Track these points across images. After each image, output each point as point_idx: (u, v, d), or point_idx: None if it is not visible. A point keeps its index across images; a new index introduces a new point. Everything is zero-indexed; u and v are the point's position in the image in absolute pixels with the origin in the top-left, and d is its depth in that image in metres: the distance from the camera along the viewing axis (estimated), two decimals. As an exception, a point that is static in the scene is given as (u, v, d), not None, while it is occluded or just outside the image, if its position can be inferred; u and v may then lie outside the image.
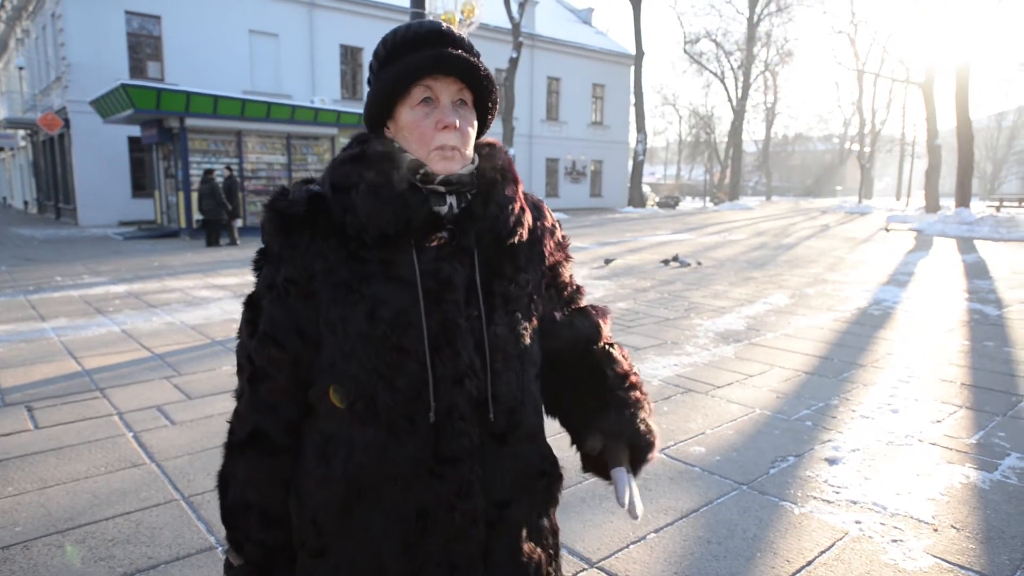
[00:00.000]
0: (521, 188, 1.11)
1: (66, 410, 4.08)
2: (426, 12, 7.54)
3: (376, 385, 0.97)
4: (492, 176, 1.07)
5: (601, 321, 1.21)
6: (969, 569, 2.47)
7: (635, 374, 1.19)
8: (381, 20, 25.51)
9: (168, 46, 21.27)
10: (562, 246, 1.20)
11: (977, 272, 11.02)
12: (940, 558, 2.54)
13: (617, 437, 1.09)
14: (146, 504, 2.90)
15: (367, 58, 25.91)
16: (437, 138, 0.99)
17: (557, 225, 1.20)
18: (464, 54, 1.01)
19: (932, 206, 27.51)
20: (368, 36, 25.60)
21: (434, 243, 1.00)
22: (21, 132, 29.14)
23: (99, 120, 18.16)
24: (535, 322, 1.11)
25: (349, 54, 25.86)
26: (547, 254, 1.14)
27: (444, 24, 1.05)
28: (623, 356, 1.20)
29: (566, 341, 1.16)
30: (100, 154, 20.37)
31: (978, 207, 29.35)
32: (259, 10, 22.96)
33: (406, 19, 7.60)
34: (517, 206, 1.07)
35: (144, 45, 21.05)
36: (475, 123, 1.06)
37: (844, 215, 31.51)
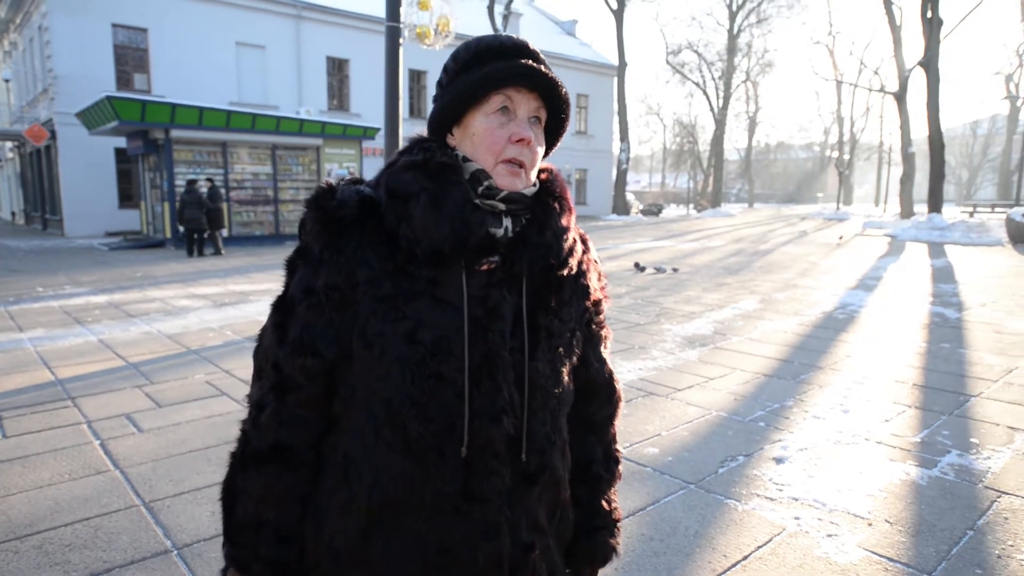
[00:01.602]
0: (575, 218, 1.07)
1: (35, 419, 4.12)
2: (401, 24, 7.65)
3: (408, 412, 0.92)
4: (549, 203, 1.02)
5: (614, 414, 1.20)
6: (897, 561, 2.58)
7: (618, 459, 1.21)
8: (366, 32, 25.70)
9: (155, 58, 21.45)
10: (603, 283, 1.16)
11: (944, 276, 11.27)
12: (871, 551, 2.65)
13: (584, 563, 1.17)
14: (106, 510, 2.96)
15: (353, 69, 26.20)
16: (508, 150, 0.96)
17: (598, 260, 1.16)
18: (550, 74, 0.98)
19: (906, 212, 28.02)
20: (354, 48, 25.87)
21: (484, 267, 0.96)
22: (8, 144, 29.19)
23: (85, 132, 18.25)
24: (573, 359, 1.07)
25: (335, 65, 26.08)
26: (592, 289, 1.10)
27: (529, 43, 1.02)
28: (615, 436, 1.21)
29: (578, 404, 1.13)
30: (86, 165, 20.47)
31: (953, 213, 29.93)
32: (246, 22, 23.17)
33: (384, 31, 7.75)
34: (572, 236, 1.04)
35: (131, 57, 21.19)
36: (544, 144, 1.02)
37: (822, 221, 31.96)
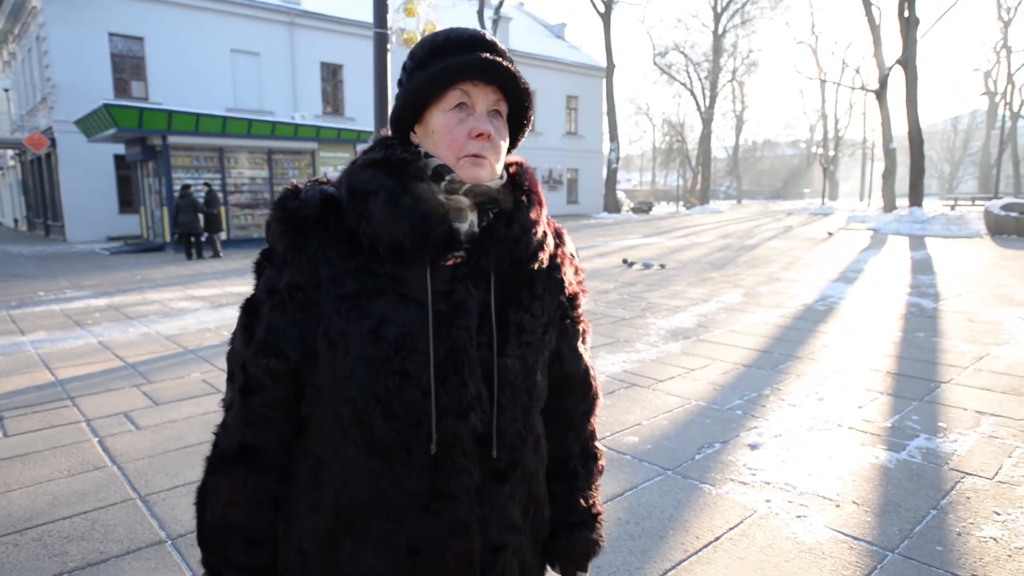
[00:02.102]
0: (545, 212, 1.05)
1: (36, 418, 4.22)
2: (388, 30, 7.74)
3: (374, 410, 0.91)
4: (517, 196, 1.01)
5: (592, 412, 1.18)
6: (861, 540, 2.68)
7: (599, 454, 1.20)
8: (359, 38, 25.81)
9: (152, 66, 21.59)
10: (580, 277, 1.14)
11: (923, 268, 11.46)
12: (837, 531, 2.75)
13: (565, 560, 1.15)
14: (103, 503, 3.05)
15: (347, 74, 26.28)
16: (468, 146, 0.94)
17: (575, 254, 1.14)
18: (507, 63, 0.95)
19: (889, 206, 28.37)
20: (347, 53, 26.07)
21: (450, 262, 0.94)
22: (10, 152, 29.33)
23: (85, 139, 18.36)
24: (546, 355, 1.05)
25: (329, 71, 26.24)
26: (566, 283, 1.08)
27: (489, 36, 0.99)
28: (594, 432, 1.20)
29: (553, 403, 1.12)
30: (86, 172, 20.60)
31: (936, 206, 30.30)
32: (241, 29, 23.32)
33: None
34: (541, 230, 1.01)
35: (128, 65, 21.32)
36: (507, 137, 1.00)
37: (808, 216, 32.24)
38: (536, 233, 1.00)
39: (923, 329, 6.51)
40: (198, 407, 4.39)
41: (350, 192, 0.95)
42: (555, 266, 1.07)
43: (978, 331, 6.39)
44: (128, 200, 21.54)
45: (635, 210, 40.49)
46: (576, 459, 1.15)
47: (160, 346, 6.24)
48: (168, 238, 16.58)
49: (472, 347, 0.94)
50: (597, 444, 1.20)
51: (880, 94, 29.29)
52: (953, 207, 28.38)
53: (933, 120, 67.81)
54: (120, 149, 19.68)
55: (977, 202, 31.47)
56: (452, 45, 0.96)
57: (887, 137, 29.56)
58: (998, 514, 2.87)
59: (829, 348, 5.81)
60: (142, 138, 16.43)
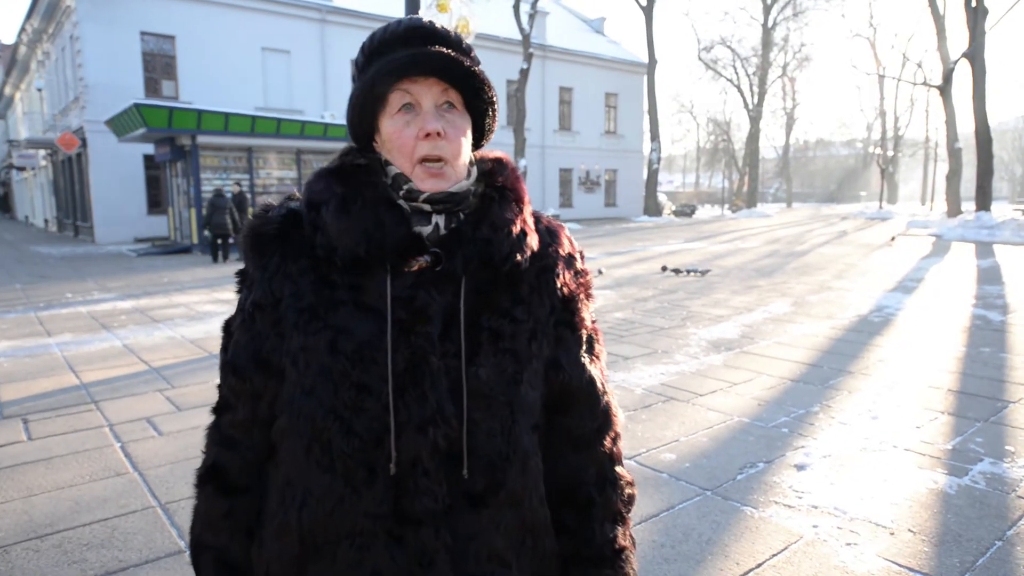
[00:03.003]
0: (528, 209, 0.98)
1: (60, 422, 4.24)
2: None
3: (333, 427, 0.85)
4: (489, 194, 0.95)
5: (607, 441, 1.03)
6: (918, 571, 2.49)
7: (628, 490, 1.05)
8: (392, 35, 25.91)
9: (182, 65, 21.86)
10: (582, 279, 1.03)
11: (990, 277, 10.87)
12: (891, 561, 2.56)
13: None
14: (124, 511, 3.02)
15: (378, 73, 26.59)
16: (419, 148, 0.88)
17: (578, 255, 1.04)
18: (445, 50, 0.88)
19: (953, 210, 27.12)
20: (380, 51, 26.05)
21: (415, 268, 0.89)
22: (41, 152, 30.04)
23: (115, 139, 18.70)
24: (535, 364, 0.94)
25: (360, 69, 26.37)
26: (559, 285, 0.98)
27: (426, 19, 0.93)
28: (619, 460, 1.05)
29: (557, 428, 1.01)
30: (116, 172, 20.97)
31: (1005, 210, 28.88)
32: (271, 27, 23.51)
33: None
34: (516, 228, 0.93)
35: (159, 64, 21.62)
36: (468, 129, 0.93)
37: (864, 221, 31.15)
38: (510, 232, 0.92)
39: (989, 344, 6.10)
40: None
41: (307, 204, 0.92)
42: (545, 267, 0.97)
43: (1049, 346, 5.96)
44: (156, 201, 21.81)
45: (677, 213, 39.85)
46: (590, 485, 1.00)
47: (185, 350, 6.27)
48: (196, 239, 16.73)
49: (435, 356, 0.87)
50: (621, 469, 1.04)
51: (944, 90, 28.04)
52: (1024, 211, 26.99)
53: (1003, 118, 64.55)
54: (149, 149, 19.91)
55: (1051, 206, 29.85)
56: (386, 43, 0.90)
57: (952, 136, 28.25)
58: (1072, 549, 2.62)
59: (884, 363, 5.48)
60: (171, 138, 16.62)
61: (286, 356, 0.90)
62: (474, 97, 0.92)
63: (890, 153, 48.42)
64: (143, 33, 21.07)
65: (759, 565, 2.56)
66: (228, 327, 0.98)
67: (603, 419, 1.02)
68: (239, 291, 0.98)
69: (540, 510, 0.96)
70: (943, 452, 3.61)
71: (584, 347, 1.02)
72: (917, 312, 7.77)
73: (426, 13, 7.74)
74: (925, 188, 51.07)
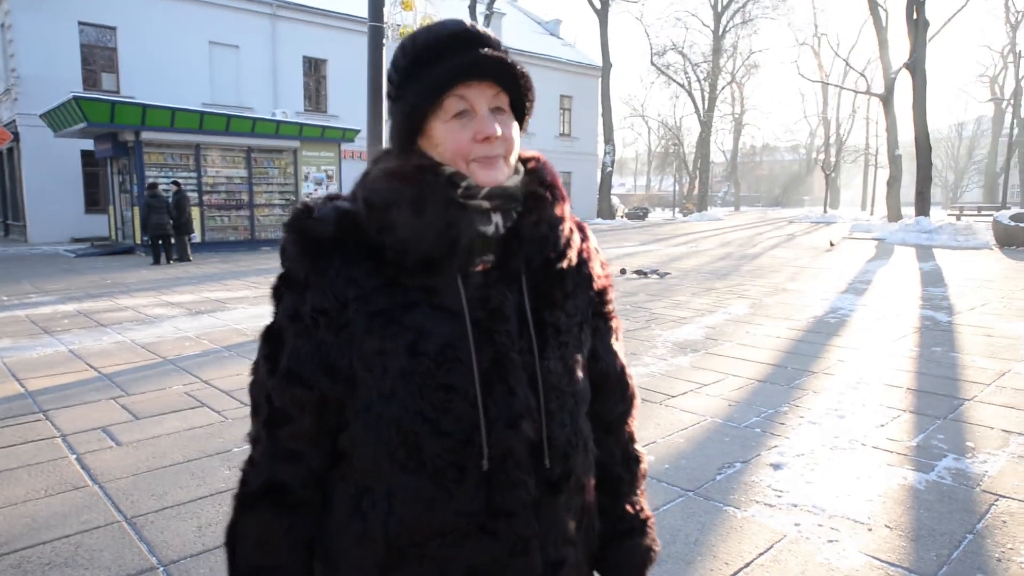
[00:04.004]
0: (569, 207, 1.01)
1: (6, 433, 3.98)
2: (384, 25, 7.58)
3: (421, 429, 0.86)
4: (541, 193, 0.96)
5: (631, 411, 1.13)
6: (899, 566, 2.55)
7: (641, 461, 1.15)
8: (345, 31, 25.45)
9: (124, 58, 20.94)
10: (607, 272, 1.10)
11: (932, 279, 11.34)
12: (872, 556, 2.62)
13: (623, 571, 1.09)
14: (86, 527, 2.85)
15: (331, 70, 25.91)
16: (475, 151, 0.89)
17: (599, 248, 1.11)
18: (498, 54, 0.90)
19: (894, 215, 28.21)
20: (332, 48, 25.55)
21: (480, 267, 0.90)
22: None
23: (50, 134, 17.77)
24: (584, 354, 1.01)
25: (312, 66, 25.76)
26: (595, 278, 1.04)
27: (468, 22, 0.94)
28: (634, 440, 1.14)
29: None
30: (51, 169, 19.89)
31: (940, 215, 30.22)
32: (219, 21, 22.75)
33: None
34: (568, 226, 0.98)
35: (98, 57, 20.66)
36: (516, 129, 0.95)
37: (810, 225, 32.16)
38: (563, 230, 0.97)
39: (939, 344, 6.35)
40: (183, 421, 4.17)
41: (369, 205, 0.90)
42: (583, 261, 1.03)
43: (997, 346, 6.24)
44: (95, 199, 20.76)
45: (630, 216, 40.30)
46: (619, 464, 1.11)
47: (137, 355, 5.99)
48: (139, 240, 15.88)
49: (514, 353, 0.90)
50: (637, 447, 1.14)
51: (886, 99, 29.15)
52: (959, 217, 28.26)
53: (937, 126, 67.14)
54: (88, 145, 18.96)
55: (983, 212, 31.39)
56: (437, 47, 0.90)
57: (892, 143, 29.36)
58: (1037, 539, 2.74)
59: (844, 363, 5.64)
60: (113, 133, 15.82)
61: (359, 361, 0.88)
62: (518, 98, 0.94)
63: (833, 159, 50.16)
64: (82, 23, 20.13)
65: (747, 564, 2.58)
66: (273, 336, 0.93)
67: (629, 403, 1.12)
68: (278, 297, 0.93)
69: (594, 493, 1.04)
70: (909, 449, 3.72)
71: (614, 336, 1.10)
72: (869, 313, 8.04)
73: (391, 11, 7.63)
74: (865, 193, 52.98)
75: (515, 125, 0.95)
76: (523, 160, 1.00)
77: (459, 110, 0.89)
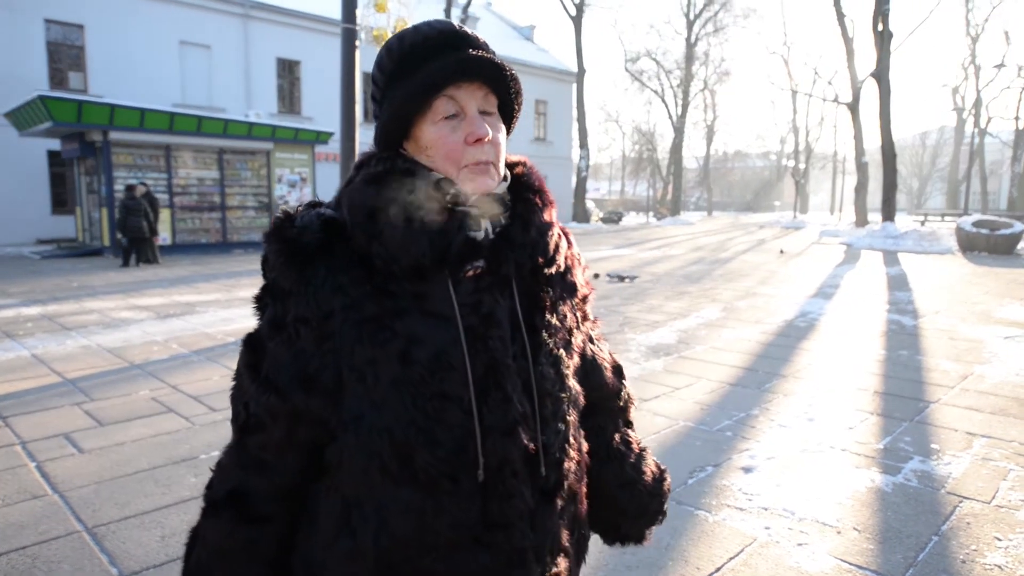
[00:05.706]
0: (556, 213, 1.01)
1: (-36, 440, 3.85)
2: (357, 27, 7.52)
3: (413, 439, 0.84)
4: (530, 198, 0.95)
5: (622, 389, 1.19)
6: (867, 568, 2.58)
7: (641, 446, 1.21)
8: (319, 33, 25.23)
9: (92, 56, 20.49)
10: (586, 277, 1.11)
11: (899, 284, 11.57)
12: (841, 559, 2.65)
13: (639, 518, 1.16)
14: (45, 537, 2.76)
15: (304, 71, 25.67)
16: (468, 154, 0.88)
17: (579, 254, 1.10)
18: (487, 55, 0.89)
19: (861, 221, 28.82)
20: (305, 49, 25.30)
21: (470, 273, 0.89)
22: None
23: (15, 133, 17.34)
24: (576, 359, 1.01)
25: (286, 67, 25.47)
26: (579, 284, 1.05)
27: (456, 23, 0.94)
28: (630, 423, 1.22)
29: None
30: (15, 168, 19.36)
31: (905, 221, 30.93)
32: (191, 20, 22.40)
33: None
34: (556, 232, 0.98)
35: (65, 55, 20.17)
36: (504, 133, 0.94)
37: (780, 230, 32.63)
38: (552, 235, 0.96)
39: (905, 347, 6.48)
40: (148, 428, 4.06)
41: (354, 211, 0.88)
42: (568, 268, 1.03)
43: (960, 349, 6.38)
44: (62, 200, 20.29)
45: (605, 220, 40.54)
46: (617, 443, 1.16)
47: (102, 360, 5.84)
48: (108, 242, 15.55)
49: (509, 359, 0.88)
50: (633, 433, 1.22)
51: (853, 107, 29.81)
52: (923, 222, 28.96)
53: (902, 135, 69.03)
54: (55, 145, 18.53)
55: (947, 218, 32.20)
56: (425, 47, 0.89)
57: (859, 150, 30.09)
58: (999, 540, 2.81)
59: (814, 366, 5.72)
60: (80, 133, 15.46)
61: (350, 372, 0.85)
62: (506, 100, 0.93)
63: (802, 166, 51.07)
64: (48, 20, 19.61)
65: (718, 569, 2.59)
66: (254, 344, 0.91)
67: (624, 401, 1.18)
68: (261, 306, 0.92)
69: (585, 503, 1.04)
70: (876, 452, 3.78)
71: (597, 337, 1.16)
72: (838, 317, 8.17)
73: (364, 13, 7.57)
74: (834, 199, 54.04)
75: (503, 129, 0.93)
76: (509, 165, 0.98)
77: (449, 112, 0.88)
